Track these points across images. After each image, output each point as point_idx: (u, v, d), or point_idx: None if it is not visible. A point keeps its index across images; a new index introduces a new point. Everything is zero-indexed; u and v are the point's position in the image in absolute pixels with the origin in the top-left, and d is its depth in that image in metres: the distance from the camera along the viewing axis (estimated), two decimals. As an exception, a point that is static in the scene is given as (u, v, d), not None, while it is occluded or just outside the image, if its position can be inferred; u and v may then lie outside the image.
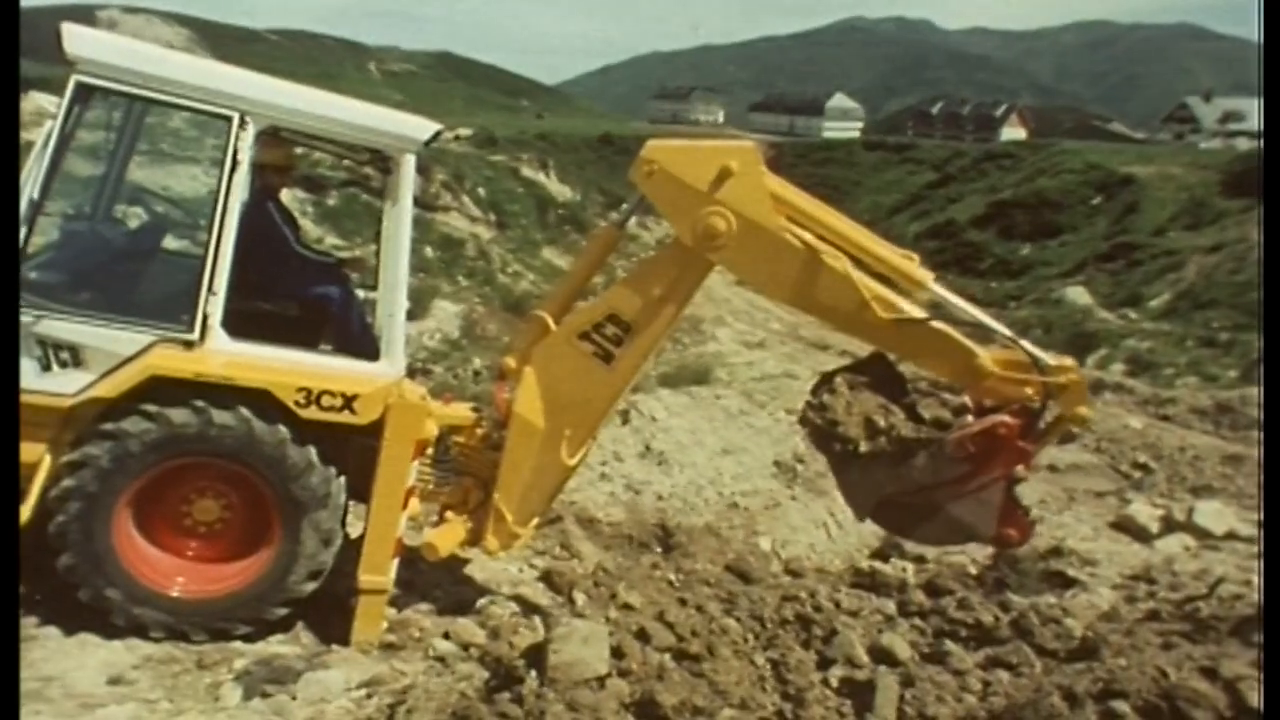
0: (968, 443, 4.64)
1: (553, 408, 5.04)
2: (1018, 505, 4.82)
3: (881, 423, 4.78)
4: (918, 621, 4.80)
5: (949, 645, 4.37)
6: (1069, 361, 4.82)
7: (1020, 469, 4.67)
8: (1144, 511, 8.59)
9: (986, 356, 4.70)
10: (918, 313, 4.74)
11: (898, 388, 5.00)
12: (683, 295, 4.95)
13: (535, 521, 5.60)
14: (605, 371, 4.98)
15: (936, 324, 4.72)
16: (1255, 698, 3.03)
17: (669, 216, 4.90)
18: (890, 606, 5.01)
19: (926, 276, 4.84)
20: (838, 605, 4.78)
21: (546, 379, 5.04)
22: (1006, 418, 4.62)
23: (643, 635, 4.12)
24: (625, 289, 5.03)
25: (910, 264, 4.85)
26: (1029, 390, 4.64)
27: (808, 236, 4.73)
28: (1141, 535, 8.20)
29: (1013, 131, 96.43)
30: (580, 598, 5.80)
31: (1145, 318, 34.61)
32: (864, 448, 4.78)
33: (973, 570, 7.03)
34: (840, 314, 4.82)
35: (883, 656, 4.31)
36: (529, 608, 5.66)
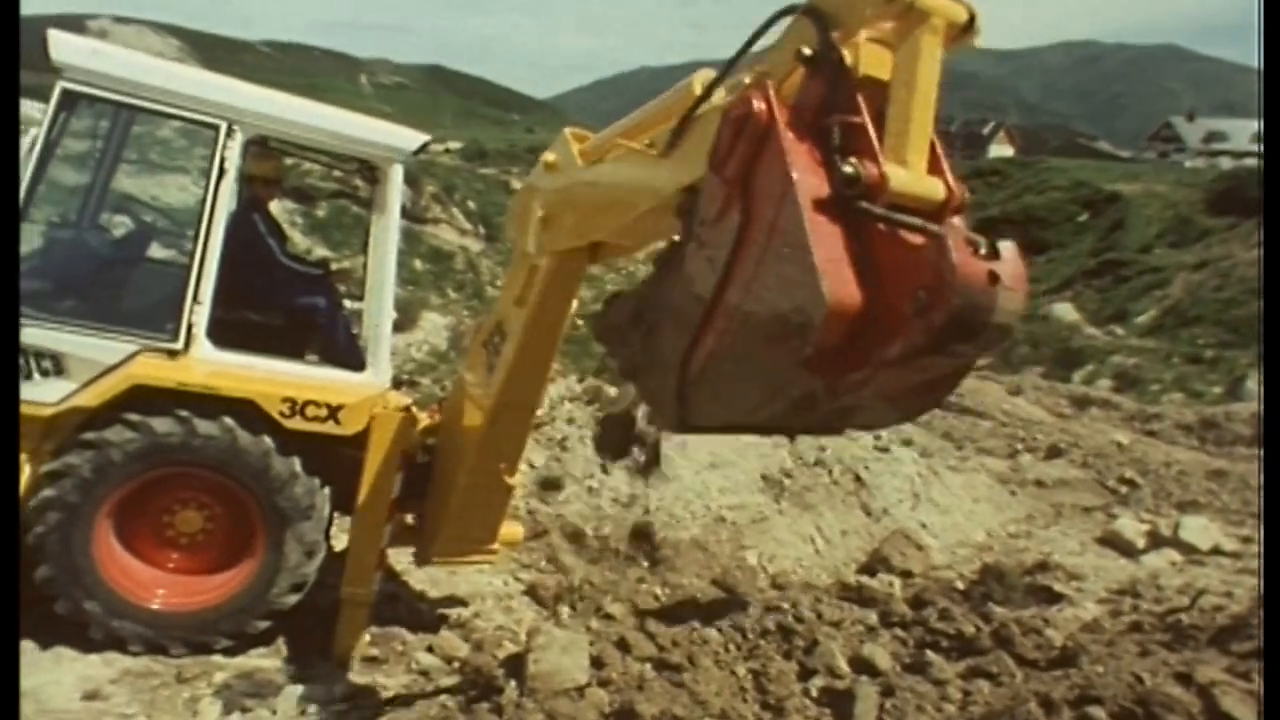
0: (708, 175, 2.54)
1: (461, 421, 4.90)
2: (916, 229, 2.28)
3: (644, 288, 2.96)
4: (900, 632, 4.80)
5: (930, 656, 4.37)
6: None
7: (869, 170, 2.27)
8: (1130, 526, 8.62)
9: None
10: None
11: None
12: (538, 299, 4.34)
13: (458, 546, 5.14)
14: (489, 381, 4.66)
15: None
16: (1229, 702, 3.04)
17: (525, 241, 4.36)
18: (872, 617, 5.00)
19: (693, 79, 3.14)
20: (819, 616, 4.77)
21: (465, 390, 4.93)
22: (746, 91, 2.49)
23: (623, 645, 4.11)
24: (502, 296, 4.69)
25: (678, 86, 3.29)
26: (787, 54, 2.49)
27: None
28: (1128, 550, 8.23)
29: (1000, 149, 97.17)
30: (565, 611, 5.79)
31: (1132, 334, 34.88)
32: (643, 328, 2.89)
33: (960, 585, 7.05)
34: (653, 188, 3.12)
35: (864, 667, 4.30)
36: (513, 620, 5.64)
